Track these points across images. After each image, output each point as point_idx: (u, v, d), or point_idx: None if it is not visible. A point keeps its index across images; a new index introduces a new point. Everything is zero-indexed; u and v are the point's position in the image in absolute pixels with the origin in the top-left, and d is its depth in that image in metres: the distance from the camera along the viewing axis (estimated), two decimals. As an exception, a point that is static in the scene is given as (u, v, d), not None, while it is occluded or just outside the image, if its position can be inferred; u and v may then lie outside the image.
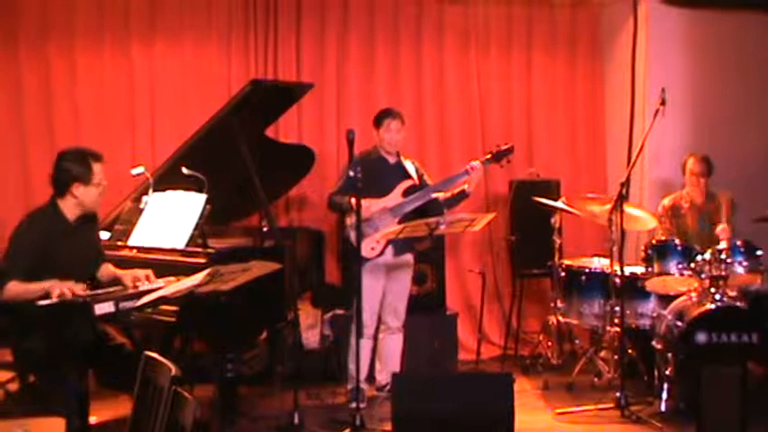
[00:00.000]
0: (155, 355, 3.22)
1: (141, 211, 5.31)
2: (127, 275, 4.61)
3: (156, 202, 5.30)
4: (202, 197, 5.13)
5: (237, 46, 6.98)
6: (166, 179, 5.40)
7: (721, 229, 6.16)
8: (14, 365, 4.63)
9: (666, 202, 6.55)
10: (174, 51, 6.90)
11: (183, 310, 4.68)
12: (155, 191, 5.32)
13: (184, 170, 5.25)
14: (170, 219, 5.17)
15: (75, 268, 4.43)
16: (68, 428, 4.09)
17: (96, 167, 4.50)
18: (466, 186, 5.86)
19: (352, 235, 5.65)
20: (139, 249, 5.10)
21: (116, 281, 4.64)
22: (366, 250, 5.58)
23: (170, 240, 5.07)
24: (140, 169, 5.41)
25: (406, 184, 5.87)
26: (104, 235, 5.43)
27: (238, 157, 5.30)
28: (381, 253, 5.77)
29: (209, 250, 4.95)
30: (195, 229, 5.06)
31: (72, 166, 4.48)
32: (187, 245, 5.01)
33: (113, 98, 6.82)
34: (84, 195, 4.50)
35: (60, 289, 4.21)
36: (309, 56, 7.11)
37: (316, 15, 7.11)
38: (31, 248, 4.40)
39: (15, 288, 4.30)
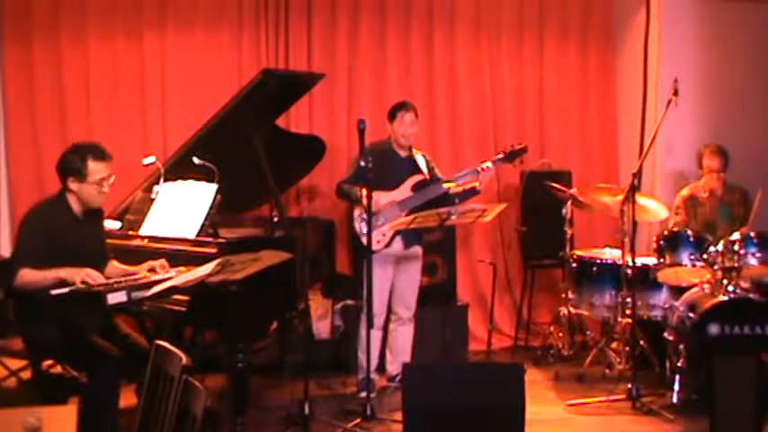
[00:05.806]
0: (165, 344, 3.22)
1: (152, 200, 5.31)
2: (141, 268, 4.57)
3: (167, 192, 5.29)
4: (213, 187, 5.12)
5: (249, 36, 6.95)
6: (177, 169, 5.40)
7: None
8: (26, 353, 4.64)
9: (685, 192, 6.51)
10: (186, 41, 6.87)
11: (194, 300, 4.68)
12: (166, 180, 5.32)
13: (195, 160, 5.25)
14: (181, 208, 5.17)
15: (82, 261, 4.35)
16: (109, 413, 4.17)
17: (94, 166, 4.41)
18: (477, 184, 5.83)
19: (359, 226, 5.66)
20: (151, 239, 5.09)
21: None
22: (372, 242, 5.55)
23: (181, 230, 5.06)
24: (151, 159, 5.43)
25: (416, 178, 5.85)
26: (115, 224, 5.44)
27: (249, 147, 5.29)
28: (388, 245, 5.77)
29: (220, 240, 4.95)
30: (206, 218, 5.05)
31: (69, 160, 4.45)
32: (198, 234, 5.00)
33: (125, 88, 6.80)
34: (80, 191, 4.45)
35: (82, 276, 4.18)
36: (320, 46, 7.08)
37: (327, 5, 7.08)
38: (38, 237, 4.37)
39: (28, 275, 4.26)
